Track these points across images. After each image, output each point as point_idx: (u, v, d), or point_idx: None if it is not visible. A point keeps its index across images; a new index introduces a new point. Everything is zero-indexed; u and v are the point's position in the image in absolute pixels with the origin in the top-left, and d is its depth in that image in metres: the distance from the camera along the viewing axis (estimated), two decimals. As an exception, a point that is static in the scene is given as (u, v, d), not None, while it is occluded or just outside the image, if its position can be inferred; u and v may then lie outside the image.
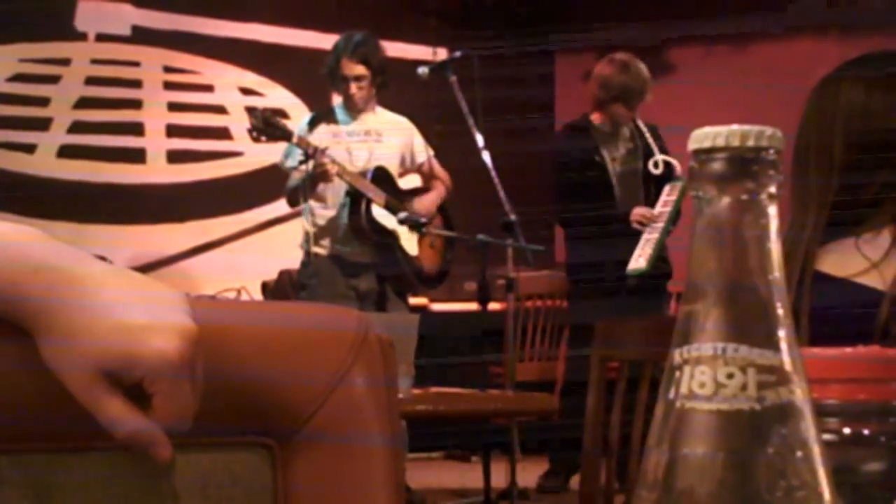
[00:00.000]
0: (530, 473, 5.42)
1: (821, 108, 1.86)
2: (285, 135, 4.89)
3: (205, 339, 0.76)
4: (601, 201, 5.21)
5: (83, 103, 7.12)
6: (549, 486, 5.55)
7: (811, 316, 1.73)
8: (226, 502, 0.85)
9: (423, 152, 5.26)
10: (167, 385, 0.74)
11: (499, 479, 4.64)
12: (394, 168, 5.15)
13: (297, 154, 4.92)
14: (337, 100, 5.27)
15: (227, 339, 0.84)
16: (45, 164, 6.95)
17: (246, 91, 7.57)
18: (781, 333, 0.55)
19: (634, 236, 5.20)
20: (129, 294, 0.75)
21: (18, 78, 6.94)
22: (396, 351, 0.93)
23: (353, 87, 5.02)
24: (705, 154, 0.55)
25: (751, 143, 0.55)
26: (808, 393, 0.55)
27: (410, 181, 5.36)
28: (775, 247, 0.55)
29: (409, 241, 5.15)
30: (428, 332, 3.61)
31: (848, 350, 0.72)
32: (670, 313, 5.73)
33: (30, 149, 6.96)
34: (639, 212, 5.23)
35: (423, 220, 5.02)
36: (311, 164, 4.85)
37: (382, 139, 5.15)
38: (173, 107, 7.42)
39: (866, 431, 0.70)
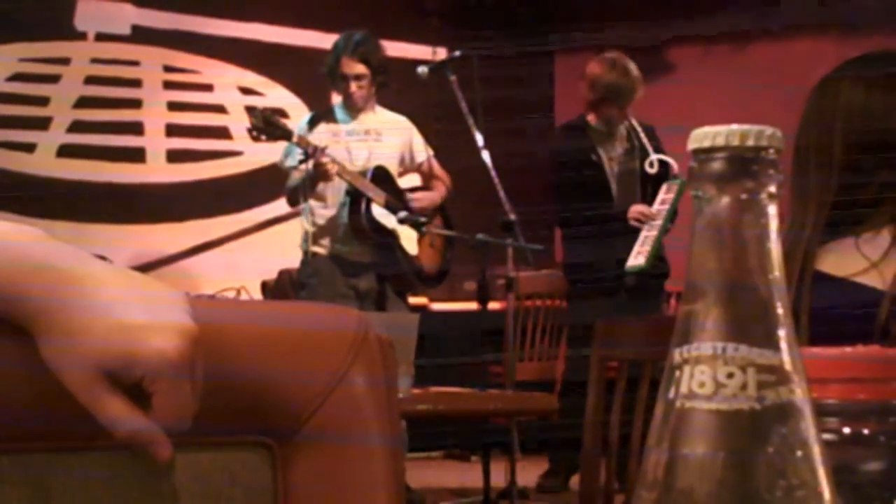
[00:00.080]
0: (530, 473, 5.42)
1: (820, 108, 1.86)
2: (285, 134, 4.89)
3: (204, 338, 0.76)
4: (598, 201, 5.22)
5: (83, 103, 7.12)
6: (549, 486, 5.55)
7: (811, 315, 1.73)
8: (225, 502, 0.85)
9: (422, 152, 5.26)
10: (167, 385, 0.74)
11: (498, 478, 4.63)
12: (393, 167, 5.15)
13: (297, 153, 4.92)
14: (336, 99, 5.27)
15: (226, 339, 0.84)
16: (44, 163, 6.95)
17: (246, 90, 7.57)
18: (781, 333, 0.55)
19: (632, 236, 5.21)
20: (128, 293, 0.75)
21: (18, 77, 6.94)
22: (396, 351, 0.93)
23: (353, 86, 5.02)
24: (705, 154, 0.55)
25: (750, 142, 0.55)
26: (807, 392, 0.55)
27: (410, 181, 5.36)
28: (775, 246, 0.55)
29: (409, 241, 5.15)
30: (428, 332, 3.61)
31: (848, 350, 0.72)
32: (668, 313, 5.73)
33: (29, 148, 6.96)
34: (636, 209, 5.24)
35: (423, 219, 5.02)
36: (310, 163, 4.85)
37: (382, 138, 5.15)
38: (173, 106, 7.42)
39: (866, 431, 0.70)
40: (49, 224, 6.03)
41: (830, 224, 1.80)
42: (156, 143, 7.34)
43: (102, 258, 0.80)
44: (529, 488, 5.37)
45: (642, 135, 5.37)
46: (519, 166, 5.33)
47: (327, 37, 5.57)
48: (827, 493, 0.54)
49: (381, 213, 5.02)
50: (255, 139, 5.01)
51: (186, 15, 7.38)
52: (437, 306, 6.81)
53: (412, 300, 5.59)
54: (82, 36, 7.20)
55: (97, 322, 0.73)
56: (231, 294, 6.10)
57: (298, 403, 0.86)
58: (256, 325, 0.87)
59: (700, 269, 0.55)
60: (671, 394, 0.55)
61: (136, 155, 7.25)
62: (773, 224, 0.55)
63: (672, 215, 5.23)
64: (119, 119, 7.17)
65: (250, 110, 4.99)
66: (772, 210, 0.55)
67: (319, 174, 4.86)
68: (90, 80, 7.19)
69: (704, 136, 0.55)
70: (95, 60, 7.22)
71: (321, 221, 5.08)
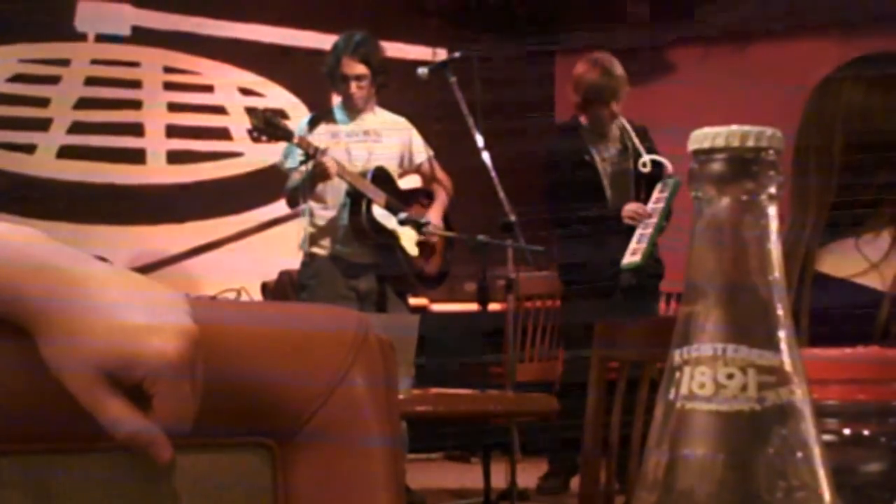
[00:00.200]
0: (530, 474, 5.42)
1: (821, 109, 1.86)
2: (286, 135, 4.90)
3: (205, 339, 0.76)
4: (592, 201, 5.22)
5: (83, 104, 7.12)
6: (549, 487, 5.55)
7: (811, 316, 1.73)
8: (226, 503, 0.85)
9: (422, 152, 5.26)
10: (167, 386, 0.74)
11: (499, 479, 4.64)
12: (393, 168, 5.15)
13: (297, 155, 4.92)
14: (336, 100, 5.27)
15: (227, 340, 0.84)
16: (44, 164, 6.95)
17: (246, 91, 7.57)
18: (781, 334, 0.55)
19: (626, 236, 5.21)
20: (129, 295, 0.75)
21: (18, 78, 6.94)
22: (396, 351, 0.93)
23: (354, 87, 5.02)
24: (705, 154, 0.55)
25: (750, 143, 0.55)
26: (808, 393, 0.55)
27: (410, 182, 5.36)
28: (775, 247, 0.55)
29: (410, 242, 5.15)
30: (428, 333, 3.61)
31: (848, 351, 0.72)
32: (663, 313, 5.74)
33: (30, 149, 6.96)
34: (631, 207, 5.25)
35: (424, 220, 5.02)
36: (310, 164, 4.85)
37: (381, 139, 5.15)
38: (173, 107, 7.42)
39: (866, 432, 0.70)
40: (49, 225, 6.03)
41: (830, 225, 1.80)
42: (156, 144, 7.34)
43: (102, 259, 0.80)
44: (530, 489, 5.37)
45: (633, 135, 5.37)
46: (519, 167, 5.34)
47: (327, 37, 5.57)
48: (827, 494, 0.54)
49: (381, 214, 5.02)
50: (256, 140, 5.01)
51: (186, 16, 7.38)
52: (438, 307, 6.81)
53: (412, 301, 5.59)
54: (82, 37, 7.20)
55: (97, 323, 0.73)
56: (231, 295, 6.10)
57: (299, 404, 0.86)
58: (257, 327, 0.87)
59: (700, 271, 0.55)
60: (671, 395, 0.55)
61: (137, 156, 7.25)
62: (773, 225, 0.55)
63: (667, 214, 5.23)
64: (119, 120, 7.17)
65: (251, 111, 5.00)
66: (772, 211, 0.55)
67: (319, 173, 4.86)
68: (90, 81, 7.19)
69: (704, 137, 0.55)
70: (95, 61, 7.22)
71: (321, 222, 5.08)
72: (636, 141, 5.36)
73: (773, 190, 0.55)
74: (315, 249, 5.09)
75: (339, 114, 5.16)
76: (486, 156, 4.79)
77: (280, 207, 6.00)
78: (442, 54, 6.82)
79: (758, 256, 0.55)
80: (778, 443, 0.53)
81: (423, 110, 5.73)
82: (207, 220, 7.37)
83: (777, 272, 0.55)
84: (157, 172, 7.30)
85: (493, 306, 4.84)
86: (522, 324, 5.83)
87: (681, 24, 7.62)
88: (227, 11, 7.47)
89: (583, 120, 5.42)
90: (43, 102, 7.02)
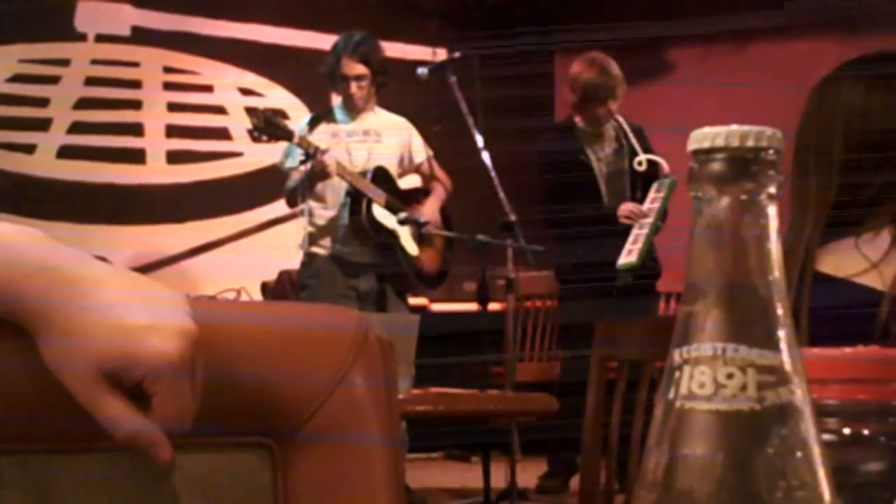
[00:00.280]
0: (530, 474, 5.42)
1: (821, 109, 1.86)
2: (286, 135, 4.90)
3: (205, 339, 0.76)
4: (588, 202, 5.22)
5: (83, 104, 7.12)
6: (549, 487, 5.55)
7: (811, 316, 1.73)
8: (226, 503, 0.85)
9: (421, 152, 5.26)
10: (167, 385, 0.74)
11: (499, 479, 4.63)
12: (392, 168, 5.15)
13: (297, 154, 4.93)
14: (336, 100, 5.27)
15: (227, 340, 0.84)
16: (44, 164, 6.95)
17: (245, 91, 7.57)
18: (781, 333, 0.55)
19: (622, 236, 5.21)
20: (128, 294, 0.75)
21: (18, 78, 6.94)
22: (396, 351, 0.93)
23: (354, 87, 5.02)
24: (705, 154, 0.55)
25: (750, 143, 0.55)
26: (807, 393, 0.55)
27: (410, 181, 5.36)
28: (775, 247, 0.55)
29: (410, 242, 5.15)
30: (428, 333, 3.61)
31: (848, 350, 0.72)
32: (659, 313, 5.74)
33: (29, 149, 6.96)
34: (627, 206, 5.25)
35: (424, 220, 5.02)
36: (310, 163, 4.85)
37: (381, 139, 5.15)
38: (173, 107, 7.42)
39: (866, 431, 0.70)
40: (49, 225, 6.03)
41: (830, 224, 1.80)
42: (156, 144, 7.34)
43: (102, 259, 0.80)
44: (529, 489, 5.37)
45: (630, 134, 5.37)
46: (519, 166, 5.34)
47: (327, 37, 5.57)
48: (827, 493, 0.54)
49: (381, 214, 5.03)
50: (256, 140, 5.01)
51: (186, 16, 7.37)
52: (438, 307, 6.81)
53: (412, 301, 5.59)
54: (82, 37, 7.20)
55: (97, 323, 0.73)
56: (231, 295, 6.10)
57: (298, 404, 0.86)
58: (256, 326, 0.87)
59: (700, 270, 0.55)
60: (671, 394, 0.55)
61: (136, 156, 7.25)
62: (773, 225, 0.55)
63: (662, 214, 5.23)
64: (119, 120, 7.17)
65: (251, 111, 5.00)
66: (772, 211, 0.55)
67: (318, 172, 4.86)
68: (90, 81, 7.19)
69: (704, 136, 0.55)
70: (95, 61, 7.21)
71: (321, 222, 5.08)
72: (633, 139, 5.36)
73: (772, 190, 0.55)
74: (315, 249, 5.09)
75: (339, 114, 5.16)
76: (485, 156, 4.79)
77: (280, 207, 6.00)
78: (442, 54, 6.84)
79: (757, 256, 0.55)
80: (778, 442, 0.53)
81: (423, 110, 5.73)
82: (207, 219, 7.37)
83: (777, 272, 0.55)
84: (156, 172, 7.30)
85: (493, 306, 4.84)
86: (522, 324, 5.82)
87: (681, 23, 7.62)
88: (227, 11, 7.46)
89: (578, 120, 5.41)
90: (43, 102, 7.02)
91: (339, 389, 0.87)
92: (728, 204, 0.55)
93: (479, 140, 4.81)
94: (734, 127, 0.55)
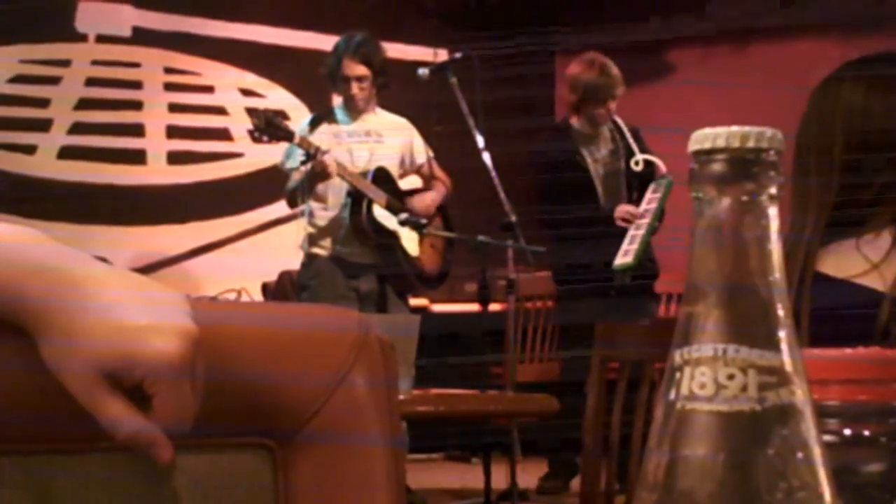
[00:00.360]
0: (530, 474, 5.42)
1: (821, 109, 1.86)
2: (287, 135, 4.90)
3: (205, 340, 0.76)
4: (584, 203, 5.22)
5: (83, 104, 7.12)
6: (550, 488, 5.55)
7: (812, 317, 1.73)
8: (226, 503, 0.85)
9: (422, 153, 5.26)
10: (168, 386, 0.74)
11: (499, 480, 4.64)
12: (394, 169, 5.15)
13: (298, 155, 4.93)
14: (337, 101, 5.27)
15: (227, 341, 0.84)
16: (45, 165, 6.95)
17: (246, 92, 7.57)
18: (782, 334, 0.55)
19: (619, 237, 5.20)
20: (129, 295, 0.75)
21: (19, 79, 6.94)
22: (397, 352, 0.93)
23: (355, 88, 5.02)
24: (705, 155, 0.55)
25: (751, 144, 0.55)
26: (808, 394, 0.55)
27: (411, 182, 5.36)
28: (776, 248, 0.55)
29: (410, 242, 5.15)
30: (428, 333, 3.61)
31: (848, 351, 0.72)
32: (658, 314, 5.74)
33: (30, 150, 6.96)
34: (623, 208, 5.24)
35: (424, 220, 5.02)
36: (311, 164, 4.85)
37: (383, 140, 5.15)
38: (173, 108, 7.42)
39: (867, 432, 0.70)
40: (49, 226, 6.02)
41: (831, 225, 1.80)
42: (156, 144, 7.34)
43: (103, 260, 0.80)
44: (530, 490, 5.37)
45: (628, 134, 5.37)
46: (519, 167, 5.34)
47: (327, 38, 5.57)
48: (828, 494, 0.54)
49: (382, 215, 5.03)
50: (257, 140, 5.01)
51: (187, 16, 7.37)
52: (438, 307, 6.81)
53: (413, 301, 5.59)
54: (83, 37, 7.20)
55: (98, 323, 0.73)
56: (232, 296, 6.10)
57: (299, 405, 0.86)
58: (257, 327, 0.87)
59: (701, 271, 0.55)
60: (672, 395, 0.55)
61: (137, 156, 7.25)
62: (774, 225, 0.55)
63: (659, 215, 5.23)
64: (120, 121, 7.17)
65: (251, 112, 5.00)
66: (772, 211, 0.55)
67: (319, 173, 4.86)
68: (91, 82, 7.19)
69: (705, 137, 0.55)
70: (96, 62, 7.22)
71: (322, 223, 5.08)
72: (630, 139, 5.36)
73: (773, 190, 0.55)
74: (315, 250, 5.09)
75: (340, 114, 5.16)
76: (486, 156, 4.79)
77: (280, 208, 6.01)
78: (443, 55, 6.84)
79: (758, 257, 0.55)
80: (778, 443, 0.53)
81: (424, 111, 5.72)
82: (208, 220, 7.37)
83: (778, 273, 0.55)
84: (157, 173, 7.30)
85: (494, 307, 4.84)
86: (523, 324, 5.82)
87: (681, 23, 7.62)
88: (228, 12, 7.47)
89: (573, 121, 5.41)
90: (43, 103, 7.02)
91: (340, 390, 0.87)
92: (729, 205, 0.55)
93: (480, 140, 4.81)
94: (735, 128, 0.55)
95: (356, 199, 5.00)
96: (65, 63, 7.13)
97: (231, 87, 7.55)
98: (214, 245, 7.37)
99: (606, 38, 6.31)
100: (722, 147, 0.55)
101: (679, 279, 0.57)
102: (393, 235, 5.08)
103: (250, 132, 4.97)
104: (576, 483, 5.16)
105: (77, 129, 7.07)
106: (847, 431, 0.69)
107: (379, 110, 5.19)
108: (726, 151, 0.55)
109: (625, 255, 5.16)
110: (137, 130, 7.26)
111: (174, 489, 0.82)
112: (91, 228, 6.75)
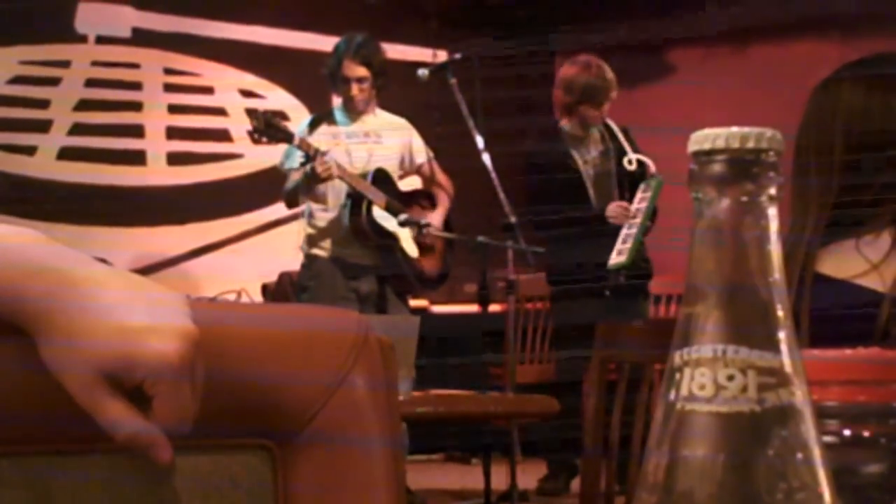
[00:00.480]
0: (530, 475, 5.42)
1: (821, 110, 1.87)
2: (286, 136, 4.90)
3: (205, 341, 0.76)
4: (576, 204, 5.21)
5: (83, 105, 7.12)
6: (550, 489, 5.55)
7: (811, 317, 1.73)
8: (226, 504, 0.85)
9: (422, 154, 5.26)
10: (167, 387, 0.74)
11: (499, 480, 4.63)
12: (393, 169, 5.15)
13: (298, 156, 4.93)
14: (336, 101, 5.27)
15: (227, 342, 0.84)
16: (45, 166, 6.96)
17: (246, 93, 7.57)
18: (782, 335, 0.55)
19: (612, 237, 5.20)
20: (129, 296, 0.75)
21: (19, 80, 6.94)
22: (397, 353, 0.93)
23: (355, 89, 5.02)
24: (705, 156, 0.55)
25: (751, 144, 0.55)
26: (808, 395, 0.55)
27: (411, 183, 5.36)
28: (775, 248, 0.55)
29: (410, 243, 5.15)
30: (428, 334, 3.61)
31: (848, 352, 0.72)
32: (652, 314, 5.74)
33: (30, 151, 6.96)
34: (615, 205, 5.24)
35: (424, 221, 5.02)
36: (310, 165, 4.85)
37: (382, 140, 5.15)
38: (173, 109, 7.42)
39: (866, 433, 0.70)
40: (49, 226, 6.03)
41: (831, 225, 1.80)
42: (156, 145, 7.34)
43: (103, 261, 0.80)
44: (530, 491, 5.37)
45: (619, 134, 5.37)
46: (519, 168, 5.34)
47: (327, 39, 5.57)
48: (827, 495, 0.54)
49: (381, 216, 5.03)
50: (256, 142, 5.01)
51: (187, 17, 7.38)
52: (438, 308, 6.81)
53: (413, 302, 5.59)
54: (83, 38, 7.20)
55: (98, 324, 0.73)
56: (231, 296, 6.10)
57: (299, 406, 0.86)
58: (257, 328, 0.87)
59: (700, 272, 0.55)
60: (671, 396, 0.55)
61: (137, 157, 7.25)
62: (774, 226, 0.55)
63: (651, 214, 5.23)
64: (119, 122, 7.17)
65: (251, 113, 4.99)
66: (772, 212, 0.55)
67: (319, 176, 4.86)
68: (91, 83, 7.19)
69: (704, 138, 0.55)
70: (96, 63, 7.22)
71: (321, 224, 5.08)
72: (621, 139, 5.35)
73: (773, 191, 0.55)
74: (315, 251, 5.09)
75: (339, 115, 5.16)
76: (486, 157, 4.79)
77: (280, 209, 6.01)
78: (442, 56, 6.84)
79: (758, 257, 0.55)
80: (778, 444, 0.53)
81: (424, 112, 5.73)
82: (208, 221, 7.37)
83: (777, 273, 0.55)
84: (157, 174, 7.30)
85: (494, 307, 4.84)
86: (523, 325, 5.82)
87: (681, 24, 7.62)
88: (228, 13, 7.47)
89: (564, 123, 5.40)
90: (43, 104, 7.02)
91: (340, 391, 0.87)
92: (728, 205, 0.55)
93: (480, 141, 4.81)
94: (734, 128, 0.55)
95: (356, 200, 5.00)
96: (65, 64, 7.13)
97: (231, 87, 7.56)
98: (214, 246, 7.37)
99: (606, 39, 6.31)
100: (722, 148, 0.55)
101: (676, 280, 0.56)
102: (392, 236, 5.08)
103: (250, 133, 4.97)
104: (576, 484, 5.16)
105: (77, 129, 7.07)
106: (847, 432, 0.69)
107: (378, 111, 5.19)
108: (726, 152, 0.55)
109: (619, 255, 5.16)
110: (137, 131, 7.27)
111: (174, 490, 0.82)
112: (91, 229, 6.75)
